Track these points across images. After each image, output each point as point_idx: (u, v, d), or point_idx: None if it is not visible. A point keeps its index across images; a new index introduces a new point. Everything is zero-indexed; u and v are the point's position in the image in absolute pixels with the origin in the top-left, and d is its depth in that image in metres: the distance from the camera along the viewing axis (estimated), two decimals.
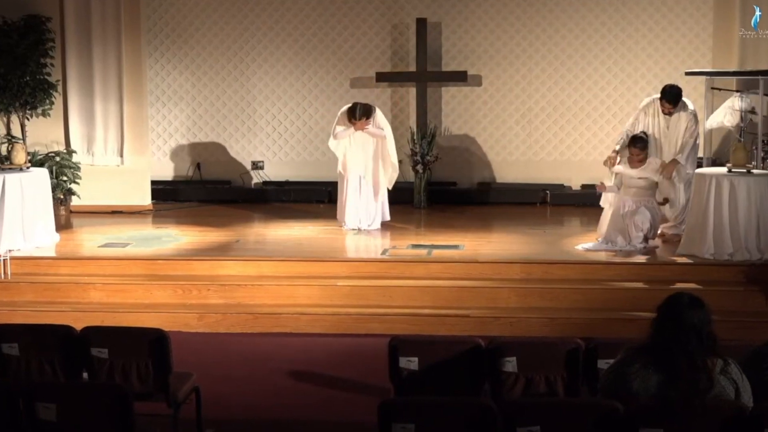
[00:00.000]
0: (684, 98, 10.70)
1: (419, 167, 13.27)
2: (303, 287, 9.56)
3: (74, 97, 12.99)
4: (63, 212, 12.68)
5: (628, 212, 10.22)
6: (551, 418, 4.75)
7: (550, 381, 5.77)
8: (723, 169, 9.99)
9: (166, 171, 14.31)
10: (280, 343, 8.85)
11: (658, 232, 10.53)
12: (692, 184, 10.11)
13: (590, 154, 13.64)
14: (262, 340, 8.94)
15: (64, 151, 12.83)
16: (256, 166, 14.29)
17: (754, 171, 9.87)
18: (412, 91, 13.79)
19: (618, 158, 10.45)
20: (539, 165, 13.91)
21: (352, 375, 7.96)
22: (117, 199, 12.98)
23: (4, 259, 9.78)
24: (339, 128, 11.52)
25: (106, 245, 10.75)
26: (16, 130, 12.75)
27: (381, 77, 13.79)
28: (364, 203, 11.56)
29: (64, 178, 12.54)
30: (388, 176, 11.69)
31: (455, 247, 10.56)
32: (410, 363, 5.84)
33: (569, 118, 13.83)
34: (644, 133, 10.50)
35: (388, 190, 11.78)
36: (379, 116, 11.60)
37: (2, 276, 9.74)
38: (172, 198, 13.91)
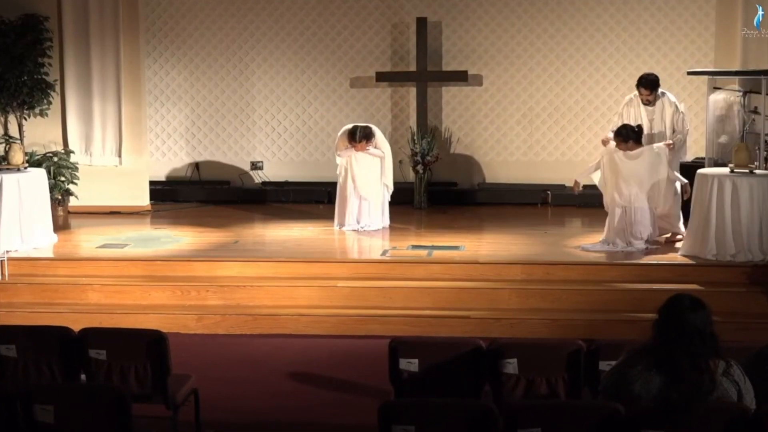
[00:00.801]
0: (667, 91, 10.73)
1: (419, 167, 13.23)
2: (303, 288, 9.54)
3: (72, 97, 12.96)
4: (61, 213, 12.64)
5: (629, 219, 10.17)
6: (552, 420, 4.74)
7: (551, 383, 5.76)
8: (725, 170, 9.96)
9: (165, 171, 14.29)
10: (280, 344, 8.82)
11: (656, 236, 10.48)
12: (680, 187, 10.09)
13: (592, 154, 13.57)
14: (261, 341, 8.92)
15: (62, 151, 12.80)
16: (256, 166, 14.25)
17: (757, 171, 9.84)
18: (413, 91, 13.76)
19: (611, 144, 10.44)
20: (540, 165, 13.87)
21: (352, 377, 7.93)
22: (115, 199, 12.95)
23: (1, 260, 9.76)
24: (339, 148, 11.57)
25: (104, 246, 10.73)
26: (13, 130, 12.73)
27: (381, 77, 13.75)
28: (366, 206, 11.54)
29: (62, 179, 12.51)
30: (382, 195, 11.71)
31: (456, 247, 10.54)
32: (410, 365, 5.83)
33: (571, 118, 13.80)
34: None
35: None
36: (379, 137, 11.65)
37: (0, 277, 9.70)
38: (170, 198, 13.89)
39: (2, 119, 12.82)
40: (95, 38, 12.84)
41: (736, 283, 9.37)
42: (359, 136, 11.42)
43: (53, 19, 12.79)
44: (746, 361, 4.91)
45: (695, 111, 13.29)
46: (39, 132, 12.86)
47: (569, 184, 13.64)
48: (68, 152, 12.83)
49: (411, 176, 13.45)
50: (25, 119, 12.71)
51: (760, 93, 10.93)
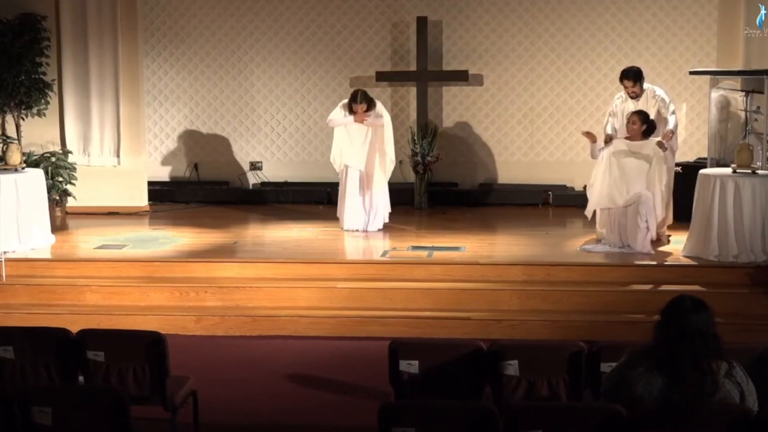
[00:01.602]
0: (656, 87, 10.78)
1: (420, 168, 13.20)
2: (302, 289, 9.51)
3: (70, 97, 12.94)
4: (59, 213, 12.60)
5: (627, 218, 10.14)
6: (553, 422, 4.73)
7: (552, 384, 5.75)
8: (727, 170, 9.94)
9: (163, 172, 14.25)
10: (279, 346, 8.80)
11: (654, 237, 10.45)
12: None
13: None
14: (260, 343, 8.90)
15: (60, 151, 12.77)
16: (255, 166, 14.22)
17: (759, 171, 9.83)
18: (413, 91, 13.73)
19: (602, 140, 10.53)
20: (541, 165, 13.84)
21: (351, 378, 7.91)
22: (113, 200, 12.92)
23: None
24: (335, 115, 11.44)
25: (102, 247, 10.71)
26: (11, 130, 12.70)
27: (381, 77, 13.72)
28: (367, 203, 11.46)
29: (60, 179, 12.47)
30: (385, 168, 11.56)
31: (456, 248, 10.51)
32: (411, 366, 5.82)
33: (572, 118, 13.76)
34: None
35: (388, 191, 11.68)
36: (380, 107, 11.53)
37: None
38: (169, 199, 13.86)
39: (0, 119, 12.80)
40: (93, 38, 12.81)
41: (738, 284, 9.35)
42: (360, 98, 11.30)
43: (51, 19, 12.76)
44: (749, 363, 4.91)
45: (697, 111, 13.27)
46: (37, 132, 12.82)
47: (570, 184, 13.67)
48: (66, 152, 12.80)
49: (411, 177, 13.41)
50: (23, 119, 12.68)
51: (762, 93, 10.92)
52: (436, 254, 10.22)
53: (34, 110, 12.60)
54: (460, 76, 13.62)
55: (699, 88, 13.06)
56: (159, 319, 9.00)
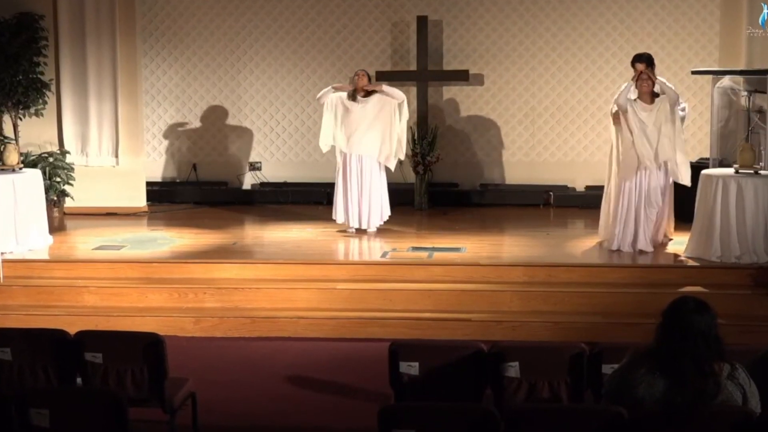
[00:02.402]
0: (659, 76, 10.58)
1: (420, 168, 13.18)
2: (301, 290, 9.49)
3: (68, 97, 12.92)
4: (56, 214, 12.55)
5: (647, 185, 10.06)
6: (555, 424, 4.73)
7: (553, 386, 5.74)
8: (730, 170, 9.91)
9: (162, 172, 14.23)
10: (278, 347, 8.78)
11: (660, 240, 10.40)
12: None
13: (594, 154, 13.53)
14: (259, 344, 8.88)
15: (58, 151, 12.74)
16: (254, 167, 14.20)
17: (762, 172, 9.82)
18: (413, 91, 13.68)
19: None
20: (543, 166, 13.81)
21: (351, 380, 7.89)
22: (111, 200, 12.91)
23: None
24: (325, 93, 11.28)
25: (100, 248, 10.70)
26: (8, 131, 12.69)
27: (381, 76, 13.64)
28: (366, 198, 11.30)
29: (58, 180, 12.44)
30: (390, 151, 11.28)
31: (457, 249, 10.48)
32: (411, 368, 5.81)
33: (573, 118, 13.73)
34: None
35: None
36: (386, 88, 11.29)
37: None
38: (167, 199, 13.85)
39: None
40: (91, 37, 12.80)
41: (740, 285, 9.32)
42: (361, 70, 11.24)
43: (49, 18, 12.75)
44: (751, 364, 4.90)
45: (699, 111, 13.24)
46: (34, 132, 12.81)
47: (571, 184, 13.65)
48: (64, 153, 12.77)
49: (411, 177, 13.39)
50: (20, 119, 12.65)
51: (765, 92, 10.88)
52: (437, 255, 10.19)
53: (32, 110, 12.58)
54: (461, 76, 13.59)
55: (701, 87, 13.04)
56: (157, 320, 8.98)
